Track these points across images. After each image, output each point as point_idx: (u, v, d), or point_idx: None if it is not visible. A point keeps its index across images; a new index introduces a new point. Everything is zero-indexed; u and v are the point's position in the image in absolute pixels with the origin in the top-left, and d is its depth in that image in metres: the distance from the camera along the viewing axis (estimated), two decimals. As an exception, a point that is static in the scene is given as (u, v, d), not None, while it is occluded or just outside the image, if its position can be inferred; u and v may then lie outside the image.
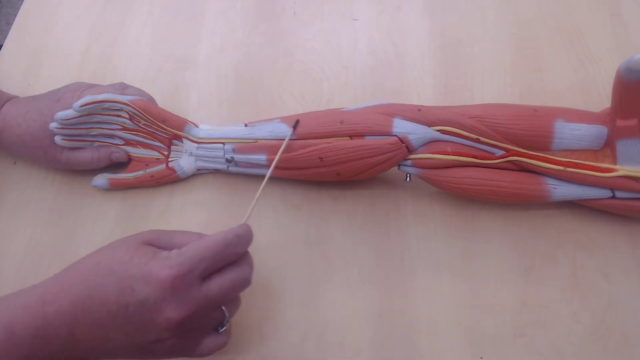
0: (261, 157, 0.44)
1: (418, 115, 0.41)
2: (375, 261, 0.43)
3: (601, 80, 0.50)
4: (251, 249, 0.44)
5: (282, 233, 0.45)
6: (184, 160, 0.46)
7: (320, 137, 0.42)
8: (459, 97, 0.50)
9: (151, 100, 0.47)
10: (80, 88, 0.45)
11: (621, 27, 0.53)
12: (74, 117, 0.43)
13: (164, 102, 0.51)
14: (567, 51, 0.52)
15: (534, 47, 0.53)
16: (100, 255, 0.34)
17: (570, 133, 0.41)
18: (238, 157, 0.45)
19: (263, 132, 0.43)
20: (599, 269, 0.42)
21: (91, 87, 0.46)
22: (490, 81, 0.51)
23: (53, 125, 0.43)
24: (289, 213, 0.46)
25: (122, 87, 0.46)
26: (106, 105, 0.44)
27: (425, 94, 0.51)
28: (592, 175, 0.40)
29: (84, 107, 0.43)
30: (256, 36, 0.56)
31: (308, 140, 0.42)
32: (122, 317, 0.32)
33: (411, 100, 0.50)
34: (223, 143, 0.44)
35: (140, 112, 0.44)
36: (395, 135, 0.41)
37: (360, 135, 0.41)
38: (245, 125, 0.45)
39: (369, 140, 0.41)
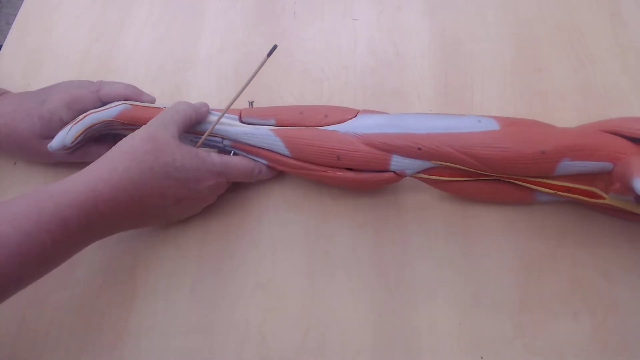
0: (262, 160, 0.45)
1: (418, 153, 0.40)
2: (376, 261, 0.43)
3: (601, 80, 0.50)
4: (252, 249, 0.44)
5: (282, 232, 0.45)
6: None
7: (317, 165, 0.43)
8: (459, 97, 0.50)
9: (134, 92, 0.47)
10: (66, 92, 0.45)
11: (621, 27, 0.53)
12: (69, 146, 0.44)
13: (164, 102, 0.51)
14: (567, 51, 0.52)
15: (534, 47, 0.53)
16: (146, 159, 0.39)
17: (574, 168, 0.39)
18: (238, 151, 0.45)
19: (260, 141, 0.43)
20: (599, 268, 0.42)
21: (75, 88, 0.46)
22: (490, 81, 0.51)
23: (52, 147, 0.44)
24: (289, 212, 0.46)
25: (97, 89, 0.46)
26: (96, 126, 0.44)
27: (425, 94, 0.51)
28: (582, 199, 0.41)
29: (77, 140, 0.44)
30: (256, 36, 0.56)
31: (306, 164, 0.43)
32: (176, 202, 0.42)
33: (411, 100, 0.50)
34: (222, 137, 0.45)
35: (129, 122, 0.44)
36: (392, 171, 0.42)
37: (358, 170, 0.42)
38: (251, 105, 0.45)
39: (366, 175, 0.42)
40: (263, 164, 0.45)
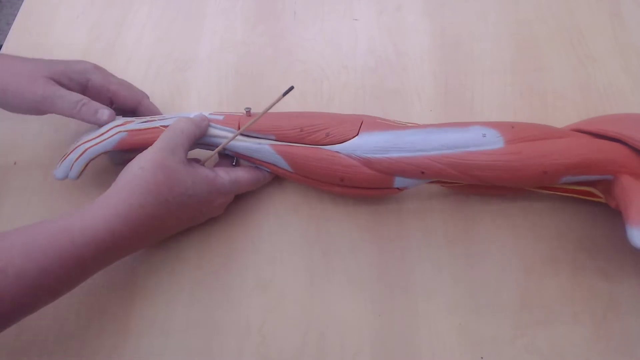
0: (265, 169, 0.45)
1: (420, 176, 0.41)
2: (376, 261, 0.43)
3: (601, 80, 0.50)
4: (252, 250, 0.44)
5: (282, 233, 0.45)
6: None
7: (320, 181, 0.43)
8: (459, 97, 0.50)
9: (139, 94, 0.47)
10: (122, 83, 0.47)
11: (621, 27, 0.53)
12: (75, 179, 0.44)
13: (164, 102, 0.51)
14: (567, 51, 0.52)
15: (534, 47, 0.53)
16: (161, 192, 0.39)
17: (575, 179, 0.40)
18: (240, 158, 0.45)
19: (262, 156, 0.43)
20: (599, 268, 0.42)
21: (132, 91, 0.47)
22: (490, 81, 0.51)
23: (56, 177, 0.44)
24: (289, 213, 0.46)
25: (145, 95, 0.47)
26: (96, 157, 0.44)
27: (425, 94, 0.51)
28: (577, 197, 0.42)
29: (81, 174, 0.44)
30: (256, 36, 0.56)
31: (309, 179, 0.43)
32: (188, 222, 0.43)
33: (411, 100, 0.50)
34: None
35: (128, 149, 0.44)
36: (396, 188, 0.42)
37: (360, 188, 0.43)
38: (248, 113, 0.44)
39: (368, 191, 0.43)
40: (266, 170, 0.45)
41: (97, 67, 0.46)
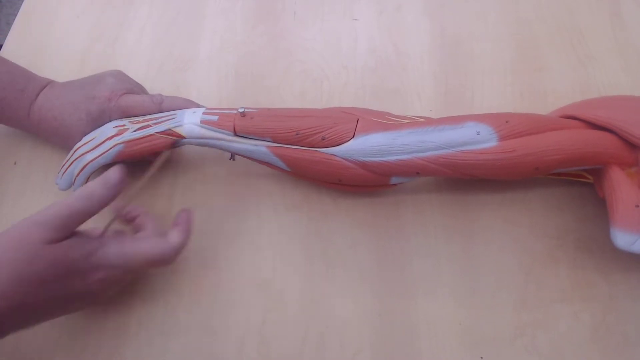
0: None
1: (416, 175, 0.41)
2: (375, 261, 0.43)
3: (601, 80, 0.50)
4: (252, 249, 0.44)
5: (282, 232, 0.45)
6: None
7: (318, 180, 0.44)
8: (459, 97, 0.50)
9: (192, 105, 0.46)
10: (116, 92, 0.45)
11: (621, 27, 0.53)
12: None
13: (164, 102, 0.51)
14: (567, 51, 0.52)
15: (534, 47, 0.53)
16: (38, 264, 0.33)
17: (566, 170, 0.42)
18: (237, 155, 0.45)
19: (259, 157, 0.43)
20: (598, 269, 0.42)
21: (127, 92, 0.45)
22: (490, 81, 0.51)
23: (60, 187, 0.44)
24: (289, 213, 0.46)
25: (160, 102, 0.45)
26: (96, 170, 0.44)
27: (425, 94, 0.51)
28: (570, 179, 0.44)
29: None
30: (256, 36, 0.56)
31: (306, 177, 0.44)
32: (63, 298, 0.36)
33: (411, 100, 0.50)
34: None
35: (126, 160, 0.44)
36: (393, 184, 0.43)
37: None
38: (243, 114, 0.43)
39: (367, 188, 0.44)
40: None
41: (109, 98, 0.44)
